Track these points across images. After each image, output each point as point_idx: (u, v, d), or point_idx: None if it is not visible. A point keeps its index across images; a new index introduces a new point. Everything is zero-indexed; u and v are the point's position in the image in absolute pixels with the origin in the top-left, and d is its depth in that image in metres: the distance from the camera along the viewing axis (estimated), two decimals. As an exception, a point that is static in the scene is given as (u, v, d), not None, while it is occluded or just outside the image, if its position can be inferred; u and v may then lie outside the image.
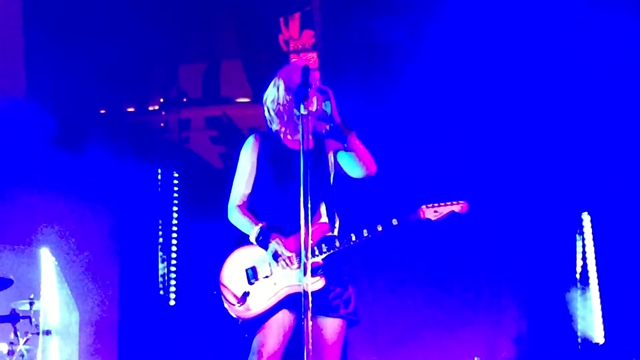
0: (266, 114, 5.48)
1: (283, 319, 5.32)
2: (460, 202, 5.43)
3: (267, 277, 5.26)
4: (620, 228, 8.46)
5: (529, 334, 8.72)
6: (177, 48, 9.51)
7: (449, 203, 5.42)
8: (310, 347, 4.54)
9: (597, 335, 8.48)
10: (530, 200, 8.73)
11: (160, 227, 9.13)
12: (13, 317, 7.89)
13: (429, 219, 5.39)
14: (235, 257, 5.37)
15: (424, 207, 5.39)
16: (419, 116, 8.70)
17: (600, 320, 8.51)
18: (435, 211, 5.38)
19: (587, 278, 8.61)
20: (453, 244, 8.74)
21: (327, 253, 5.24)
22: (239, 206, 5.45)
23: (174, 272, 9.04)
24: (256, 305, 5.25)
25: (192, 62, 9.75)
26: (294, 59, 9.55)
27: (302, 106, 4.78)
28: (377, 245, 8.21)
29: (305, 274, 4.56)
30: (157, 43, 9.21)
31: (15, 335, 7.85)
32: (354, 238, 5.27)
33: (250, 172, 5.46)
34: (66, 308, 8.49)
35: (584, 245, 8.66)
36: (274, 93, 5.42)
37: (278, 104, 5.39)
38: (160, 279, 9.02)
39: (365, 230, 5.28)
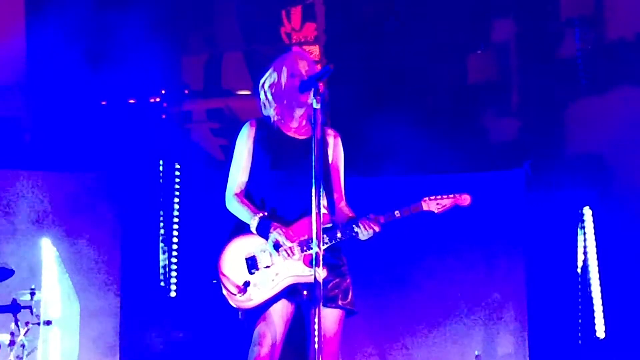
0: (262, 97, 5.47)
1: (283, 309, 5.31)
2: (464, 194, 5.41)
3: (268, 267, 5.25)
4: (622, 222, 8.46)
5: (530, 329, 8.70)
6: (179, 40, 9.50)
7: (452, 195, 5.40)
8: (315, 337, 4.55)
9: (599, 329, 8.48)
10: (532, 194, 8.72)
11: (161, 218, 9.13)
12: (14, 308, 7.88)
13: (432, 212, 5.38)
14: (234, 246, 5.35)
15: (426, 199, 5.38)
16: (422, 109, 8.70)
17: (602, 314, 8.51)
18: (438, 203, 5.37)
19: (588, 272, 8.60)
20: (454, 237, 8.73)
21: (329, 244, 5.24)
22: (237, 194, 5.42)
23: (175, 263, 9.04)
24: (258, 295, 5.23)
25: (194, 54, 9.74)
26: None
27: (314, 100, 4.79)
28: (381, 237, 8.27)
29: (317, 264, 4.56)
30: (159, 34, 9.20)
31: (16, 325, 7.85)
32: (356, 229, 5.26)
33: (247, 159, 5.45)
34: (67, 299, 8.48)
35: (585, 240, 8.65)
36: (275, 77, 5.42)
37: (278, 87, 5.39)
38: (162, 271, 9.01)
39: (365, 220, 5.27)
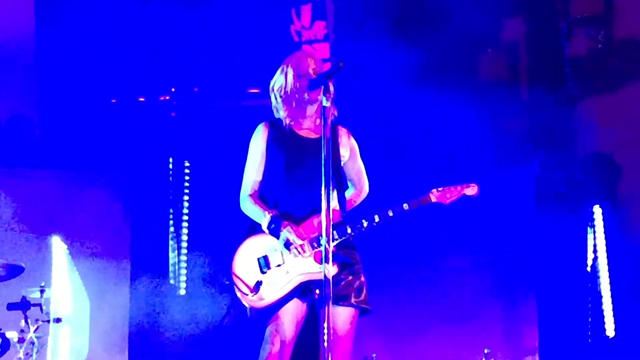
0: (273, 101, 5.51)
1: (295, 308, 5.33)
2: (472, 184, 5.41)
3: (279, 265, 5.26)
4: (632, 221, 8.45)
5: (539, 327, 8.70)
6: (190, 37, 9.50)
7: (460, 186, 5.40)
8: (326, 335, 4.54)
9: (608, 328, 8.46)
10: (542, 193, 8.72)
11: (171, 216, 9.14)
12: (24, 305, 7.90)
13: (440, 203, 5.37)
14: (246, 247, 5.37)
15: (434, 190, 5.38)
16: (430, 104, 8.70)
17: (611, 313, 8.49)
18: (446, 195, 5.37)
19: (598, 271, 8.59)
20: (464, 236, 8.73)
21: (339, 240, 5.24)
22: (250, 195, 5.45)
23: (185, 261, 9.04)
24: (269, 294, 5.24)
25: (203, 52, 9.73)
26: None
27: (324, 98, 4.79)
28: (390, 234, 8.29)
29: (327, 261, 4.55)
30: (169, 32, 9.21)
31: (26, 322, 7.87)
32: (365, 224, 5.27)
33: (260, 160, 5.47)
34: (77, 296, 8.51)
35: (595, 239, 8.64)
36: (282, 80, 5.44)
37: (286, 91, 5.41)
38: (171, 269, 9.02)
39: (376, 216, 5.28)
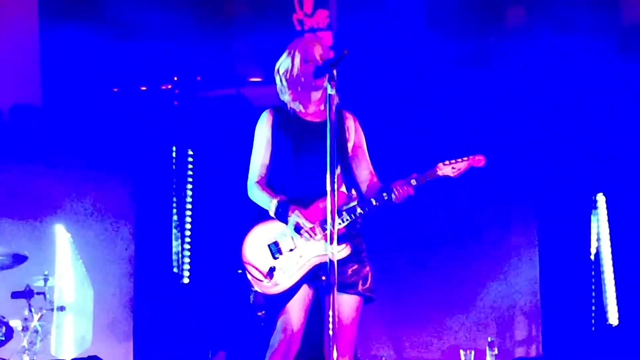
0: (278, 83, 5.49)
1: (304, 296, 5.33)
2: (478, 155, 5.35)
3: (291, 250, 5.25)
4: (635, 209, 8.44)
5: (542, 315, 8.71)
6: (191, 27, 9.49)
7: (466, 158, 5.35)
8: (330, 322, 4.55)
9: (611, 316, 8.46)
10: (545, 181, 8.71)
11: (174, 205, 9.14)
12: (28, 293, 7.91)
13: (448, 176, 5.32)
14: (255, 234, 5.35)
15: (440, 164, 5.32)
16: (435, 89, 8.69)
17: (615, 301, 8.49)
18: (453, 167, 5.31)
19: (601, 259, 8.59)
20: (469, 224, 8.74)
21: (349, 220, 5.23)
22: (257, 182, 5.44)
23: (188, 250, 9.06)
24: (285, 279, 5.23)
25: (206, 40, 9.73)
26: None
27: (329, 85, 4.78)
28: (391, 224, 8.29)
29: (331, 242, 4.55)
30: (171, 20, 9.20)
31: (30, 311, 7.88)
32: (374, 202, 5.24)
33: (267, 146, 5.46)
34: (81, 285, 8.52)
35: (598, 227, 8.63)
36: (288, 63, 5.42)
37: (292, 74, 5.40)
38: (175, 257, 9.03)
39: (384, 194, 5.25)
